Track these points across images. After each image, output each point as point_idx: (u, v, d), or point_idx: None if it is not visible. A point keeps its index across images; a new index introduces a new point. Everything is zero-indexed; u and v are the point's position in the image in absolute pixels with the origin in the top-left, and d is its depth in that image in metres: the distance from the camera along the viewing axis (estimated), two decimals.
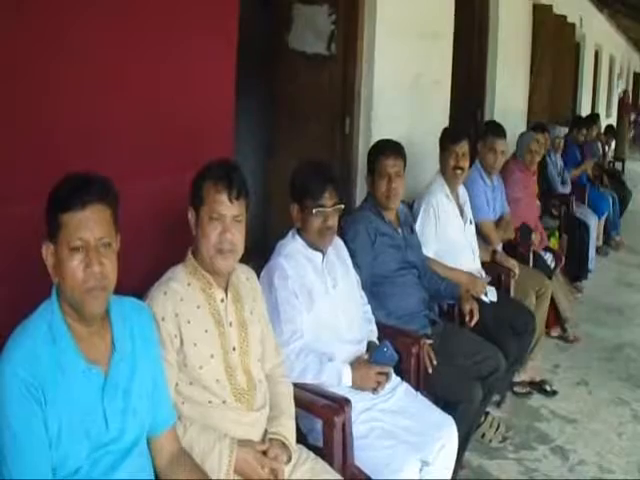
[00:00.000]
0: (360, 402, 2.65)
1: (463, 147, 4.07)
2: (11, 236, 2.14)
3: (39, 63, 2.21)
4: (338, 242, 3.00)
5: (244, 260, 2.39)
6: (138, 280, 2.24)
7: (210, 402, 2.17)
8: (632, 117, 17.20)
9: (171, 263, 2.30)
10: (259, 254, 2.86)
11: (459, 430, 2.78)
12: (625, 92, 19.21)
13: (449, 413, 2.83)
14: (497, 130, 4.72)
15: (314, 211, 2.72)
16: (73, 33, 2.31)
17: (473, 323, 3.56)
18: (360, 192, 4.16)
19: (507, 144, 4.80)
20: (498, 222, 4.75)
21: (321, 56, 4.46)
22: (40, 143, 2.24)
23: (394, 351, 2.72)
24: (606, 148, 10.35)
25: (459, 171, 4.05)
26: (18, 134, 2.18)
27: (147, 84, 2.62)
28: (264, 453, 2.19)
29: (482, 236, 4.46)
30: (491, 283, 4.11)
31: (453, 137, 4.10)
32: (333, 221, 2.78)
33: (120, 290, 1.90)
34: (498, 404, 4.14)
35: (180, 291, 2.19)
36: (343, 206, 2.82)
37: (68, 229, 1.72)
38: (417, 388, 2.95)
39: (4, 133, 2.13)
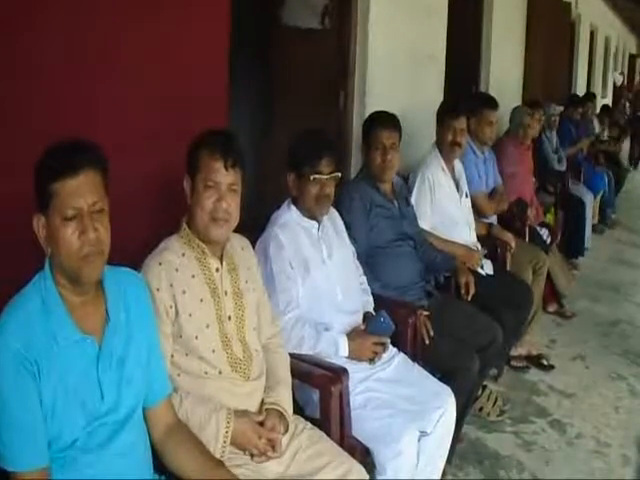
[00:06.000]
0: (357, 372, 2.64)
1: (462, 123, 4.05)
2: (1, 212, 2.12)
3: (33, 41, 2.19)
4: (334, 213, 2.99)
5: (239, 232, 2.38)
6: (133, 252, 2.22)
7: (206, 373, 2.16)
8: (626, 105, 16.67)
9: (166, 234, 2.28)
10: (254, 228, 2.83)
11: (457, 401, 2.76)
12: (622, 74, 19.09)
13: (446, 385, 2.82)
14: (491, 102, 4.72)
15: (311, 178, 2.71)
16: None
17: (470, 297, 3.55)
18: (355, 167, 4.12)
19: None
20: (491, 194, 4.74)
21: (315, 31, 4.41)
22: (31, 117, 2.21)
23: (391, 321, 2.71)
24: (602, 127, 10.31)
25: (457, 147, 4.03)
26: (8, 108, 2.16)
27: (140, 57, 2.60)
28: (261, 424, 2.17)
29: (476, 208, 4.44)
30: (487, 256, 4.12)
31: (452, 112, 4.06)
32: (330, 189, 2.77)
33: (115, 262, 1.88)
34: (496, 378, 4.16)
35: (175, 261, 2.17)
36: (340, 174, 2.81)
37: (60, 198, 1.69)
38: (414, 359, 2.94)
39: None
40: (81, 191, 1.70)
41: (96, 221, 1.73)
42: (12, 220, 2.02)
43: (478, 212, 4.48)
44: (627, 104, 14.39)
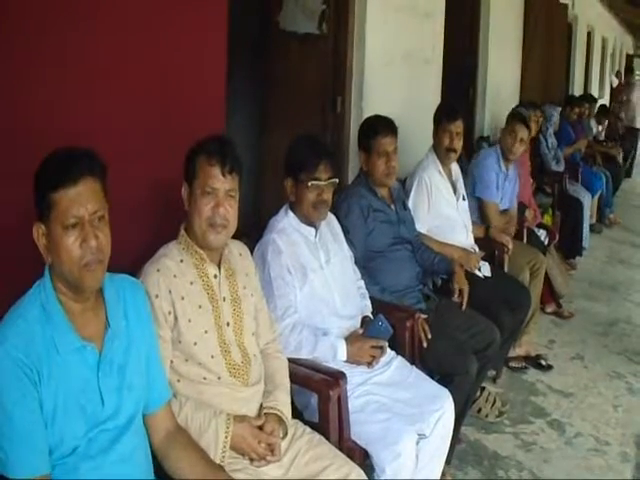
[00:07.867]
0: (355, 376, 2.66)
1: (458, 126, 4.02)
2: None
3: (33, 46, 2.20)
4: (331, 218, 2.99)
5: (237, 238, 2.39)
6: (132, 259, 2.24)
7: (205, 378, 2.17)
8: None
9: (165, 241, 2.29)
10: (252, 234, 2.85)
11: (455, 403, 2.77)
12: (619, 74, 19.01)
13: (445, 387, 2.83)
14: (519, 116, 4.83)
15: (309, 184, 2.71)
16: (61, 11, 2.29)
17: (464, 307, 3.51)
18: (352, 171, 4.13)
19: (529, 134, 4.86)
20: (503, 213, 4.74)
21: (312, 36, 4.42)
22: (32, 124, 2.21)
23: (389, 325, 2.73)
24: (599, 127, 10.32)
25: (452, 153, 4.02)
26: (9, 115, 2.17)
27: (139, 63, 2.60)
28: (260, 428, 2.18)
29: (483, 215, 4.48)
30: (485, 259, 4.12)
31: (449, 115, 4.04)
32: (328, 195, 2.77)
33: (114, 268, 1.89)
34: (494, 379, 4.18)
35: (173, 268, 2.18)
36: (337, 180, 2.82)
37: (60, 207, 1.69)
38: (412, 362, 2.95)
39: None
40: (81, 200, 1.71)
41: (97, 229, 1.74)
42: (11, 228, 2.04)
43: (482, 218, 4.53)
44: (619, 107, 14.24)
